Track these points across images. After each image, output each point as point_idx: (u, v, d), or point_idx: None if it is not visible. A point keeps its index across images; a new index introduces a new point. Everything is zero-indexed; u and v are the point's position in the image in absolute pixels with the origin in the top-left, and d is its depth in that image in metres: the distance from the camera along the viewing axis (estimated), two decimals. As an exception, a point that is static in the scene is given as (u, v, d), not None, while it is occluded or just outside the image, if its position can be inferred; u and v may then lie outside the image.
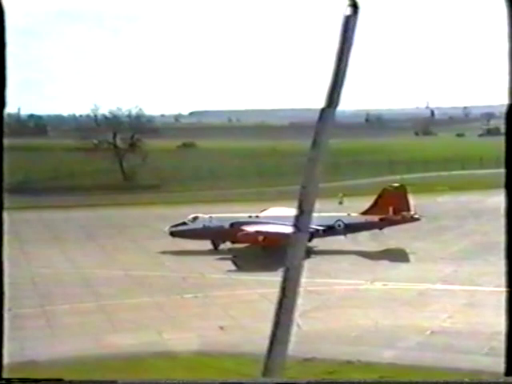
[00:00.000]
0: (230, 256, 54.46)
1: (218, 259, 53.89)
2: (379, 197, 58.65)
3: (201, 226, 57.51)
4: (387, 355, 32.50)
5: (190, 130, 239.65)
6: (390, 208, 57.23)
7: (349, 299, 42.88)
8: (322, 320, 37.37)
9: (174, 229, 58.01)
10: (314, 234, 55.93)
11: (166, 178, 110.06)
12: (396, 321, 37.79)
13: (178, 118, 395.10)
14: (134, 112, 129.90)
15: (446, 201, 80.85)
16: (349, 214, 59.13)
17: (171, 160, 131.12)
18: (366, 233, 60.02)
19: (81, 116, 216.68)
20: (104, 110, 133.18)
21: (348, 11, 5.23)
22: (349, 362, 31.65)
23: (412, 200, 59.49)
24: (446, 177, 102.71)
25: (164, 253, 56.40)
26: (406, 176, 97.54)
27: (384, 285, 46.24)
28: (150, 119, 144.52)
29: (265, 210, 62.59)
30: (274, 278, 42.83)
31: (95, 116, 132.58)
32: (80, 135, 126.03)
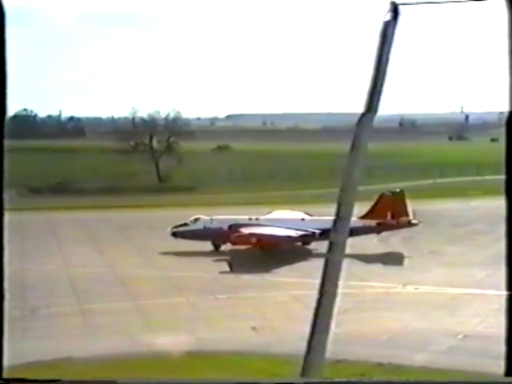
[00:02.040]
0: (227, 257, 54.80)
1: (215, 260, 54.22)
2: (377, 202, 58.89)
3: (201, 227, 58.29)
4: (419, 358, 32.58)
5: (225, 133, 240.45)
6: (388, 213, 57.68)
7: (381, 302, 42.97)
8: (354, 322, 37.51)
9: (175, 229, 58.88)
10: (310, 237, 57.25)
11: (201, 180, 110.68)
12: (428, 324, 37.83)
13: (213, 121, 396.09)
14: (171, 115, 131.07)
15: (478, 205, 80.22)
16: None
17: (206, 162, 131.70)
18: (398, 236, 60.04)
19: (119, 118, 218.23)
20: (142, 113, 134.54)
21: (388, 17, 5.29)
22: (380, 365, 31.79)
23: (445, 204, 59.31)
24: (480, 181, 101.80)
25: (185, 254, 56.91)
26: (439, 180, 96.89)
27: (416, 288, 46.26)
28: (187, 122, 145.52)
29: (269, 212, 63.16)
30: (309, 280, 43.22)
31: (133, 118, 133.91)
32: (117, 137, 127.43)
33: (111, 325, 38.19)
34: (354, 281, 45.23)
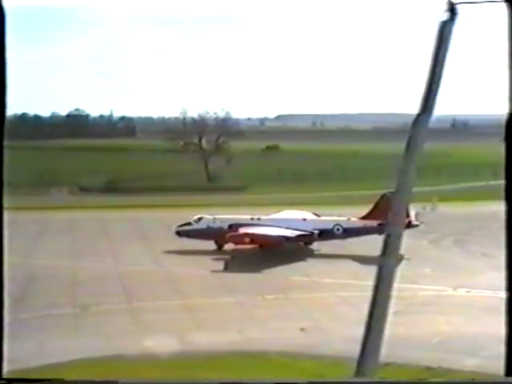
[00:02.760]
0: (226, 256, 55.11)
1: (214, 259, 54.44)
2: (378, 202, 58.71)
3: (205, 226, 58.82)
4: (469, 363, 32.04)
5: (274, 133, 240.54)
6: (390, 214, 56.64)
7: (431, 305, 42.43)
8: (404, 325, 37.06)
9: (179, 228, 59.50)
10: (309, 238, 57.62)
11: (250, 180, 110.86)
12: (480, 329, 37.18)
13: (263, 121, 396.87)
14: (220, 115, 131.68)
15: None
16: (348, 219, 59.52)
17: (255, 162, 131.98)
18: (449, 238, 59.41)
19: (169, 118, 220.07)
20: (192, 113, 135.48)
21: (445, 16, 5.08)
22: (429, 368, 31.37)
23: (497, 206, 58.17)
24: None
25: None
26: (491, 182, 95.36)
27: (467, 291, 45.56)
28: (236, 122, 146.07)
29: (276, 212, 63.57)
30: (359, 282, 43.00)
31: (183, 118, 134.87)
32: (168, 137, 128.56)
33: (160, 323, 38.40)
34: (404, 283, 44.73)
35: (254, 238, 55.42)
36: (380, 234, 56.91)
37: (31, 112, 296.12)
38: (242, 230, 56.22)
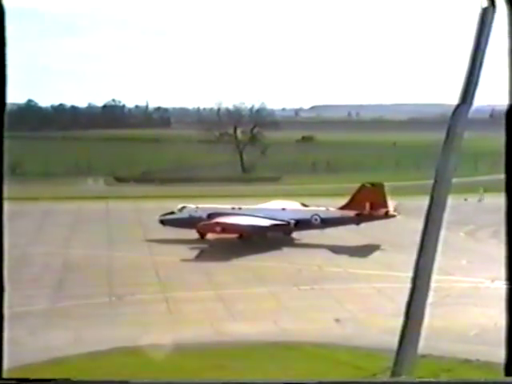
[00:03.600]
0: (205, 246, 55.84)
1: (191, 248, 54.78)
2: (357, 193, 58.93)
3: (187, 215, 59.18)
4: (507, 356, 31.57)
5: (309, 124, 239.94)
6: (367, 204, 57.38)
7: (468, 297, 41.96)
8: (441, 317, 36.68)
9: (163, 217, 60.26)
10: (285, 227, 57.93)
11: (285, 170, 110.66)
12: (518, 322, 36.62)
13: (298, 111, 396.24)
14: (255, 106, 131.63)
15: None
16: (327, 209, 59.65)
17: (290, 153, 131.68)
18: (489, 229, 58.84)
19: (204, 109, 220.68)
20: (227, 104, 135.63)
21: (486, 3, 4.90)
22: (467, 361, 31.02)
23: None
24: None
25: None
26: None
27: (505, 284, 44.93)
28: (271, 113, 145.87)
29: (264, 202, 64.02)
30: (398, 274, 42.77)
31: (218, 109, 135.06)
32: (202, 127, 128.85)
33: (195, 313, 38.50)
34: (440, 275, 44.26)
35: (224, 227, 55.94)
36: (357, 224, 58.61)
37: (68, 103, 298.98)
38: (220, 220, 56.63)
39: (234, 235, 57.47)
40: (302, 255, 53.50)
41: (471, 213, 70.40)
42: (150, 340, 32.36)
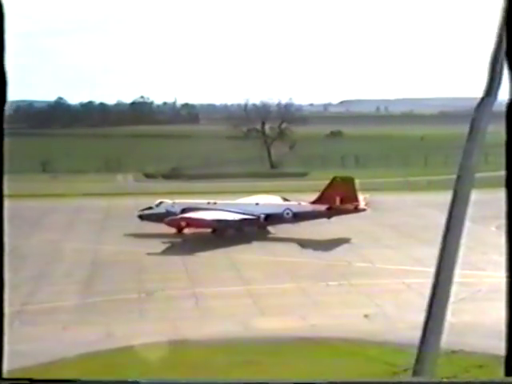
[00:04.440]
0: (178, 240, 56.36)
1: (164, 242, 55.21)
2: (328, 187, 59.30)
3: (164, 210, 59.68)
4: (539, 352, 31.19)
5: (338, 119, 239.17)
6: (338, 198, 57.93)
7: (499, 292, 41.38)
8: (471, 312, 36.42)
9: (141, 212, 60.95)
10: (254, 221, 58.58)
11: (313, 166, 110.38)
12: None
13: (326, 106, 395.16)
14: (283, 101, 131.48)
15: None
16: (299, 203, 60.08)
17: (319, 148, 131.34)
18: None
19: (232, 105, 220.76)
20: (255, 100, 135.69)
21: None
22: (497, 357, 30.67)
23: None
24: None
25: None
26: None
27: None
28: (299, 108, 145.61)
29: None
30: (427, 269, 42.52)
31: (245, 105, 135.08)
32: (230, 123, 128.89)
33: (223, 308, 38.57)
34: (472, 270, 43.95)
35: (189, 222, 56.89)
36: (328, 217, 59.13)
37: (97, 100, 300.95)
38: (192, 215, 57.44)
39: (207, 230, 58.17)
40: (267, 249, 54.18)
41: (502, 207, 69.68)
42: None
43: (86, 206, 74.04)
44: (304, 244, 55.38)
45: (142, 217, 60.70)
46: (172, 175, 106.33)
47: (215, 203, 60.11)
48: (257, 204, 60.29)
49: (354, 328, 34.59)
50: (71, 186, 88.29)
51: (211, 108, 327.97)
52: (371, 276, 45.77)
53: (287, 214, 58.93)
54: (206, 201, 60.75)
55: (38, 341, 32.90)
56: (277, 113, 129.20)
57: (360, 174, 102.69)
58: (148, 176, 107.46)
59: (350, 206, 57.90)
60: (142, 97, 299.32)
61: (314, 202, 59.55)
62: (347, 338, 33.08)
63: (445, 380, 5.10)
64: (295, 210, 59.17)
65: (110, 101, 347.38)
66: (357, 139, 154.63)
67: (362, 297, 40.95)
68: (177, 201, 61.23)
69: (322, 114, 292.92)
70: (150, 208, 60.67)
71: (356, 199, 58.18)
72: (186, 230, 58.46)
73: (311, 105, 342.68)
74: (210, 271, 47.05)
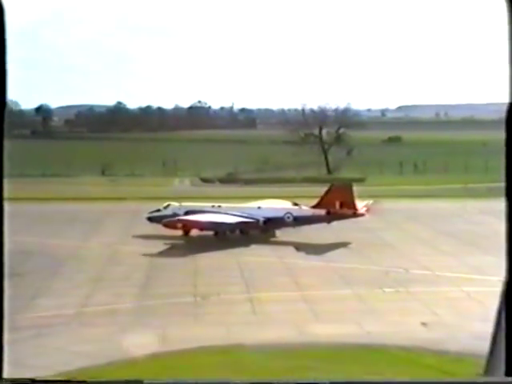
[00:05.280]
0: (181, 242, 57.91)
1: (165, 244, 56.59)
2: (327, 192, 60.31)
3: (171, 212, 60.68)
4: None
5: (396, 124, 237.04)
6: (337, 203, 58.63)
7: None
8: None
9: (150, 215, 62.06)
10: (253, 225, 59.52)
11: (371, 171, 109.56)
12: None
13: (384, 112, 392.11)
14: (341, 106, 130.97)
15: None
16: (300, 207, 60.93)
17: (376, 154, 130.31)
18: None
19: (289, 110, 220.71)
20: (312, 105, 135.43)
21: None
22: None
23: None
24: None
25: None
26: None
27: None
28: (357, 113, 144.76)
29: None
30: (487, 278, 41.78)
31: (303, 110, 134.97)
32: (287, 128, 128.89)
33: (279, 314, 38.45)
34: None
35: (185, 224, 58.45)
36: (328, 222, 59.85)
37: (155, 104, 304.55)
38: (192, 217, 58.74)
39: (210, 232, 59.57)
40: (262, 252, 54.59)
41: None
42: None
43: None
44: (300, 248, 55.86)
45: (150, 219, 61.97)
46: (228, 180, 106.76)
47: (219, 206, 61.42)
48: (259, 208, 61.51)
49: (412, 336, 34.10)
50: (129, 189, 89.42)
51: (268, 113, 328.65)
52: (429, 283, 45.12)
53: (288, 217, 59.88)
54: (211, 204, 62.13)
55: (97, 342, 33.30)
56: (334, 118, 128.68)
57: (418, 180, 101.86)
58: (205, 180, 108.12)
59: (348, 211, 58.98)
60: (199, 101, 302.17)
61: (314, 207, 60.60)
62: (404, 346, 32.63)
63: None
64: (296, 214, 60.15)
65: (168, 105, 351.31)
66: (416, 145, 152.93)
67: (420, 304, 40.36)
68: (184, 203, 62.62)
69: (380, 120, 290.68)
70: (159, 210, 62.07)
71: (354, 204, 59.26)
72: (193, 232, 59.94)
73: (369, 110, 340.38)
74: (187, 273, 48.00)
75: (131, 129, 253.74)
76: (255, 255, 53.57)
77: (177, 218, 59.01)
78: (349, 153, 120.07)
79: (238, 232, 60.34)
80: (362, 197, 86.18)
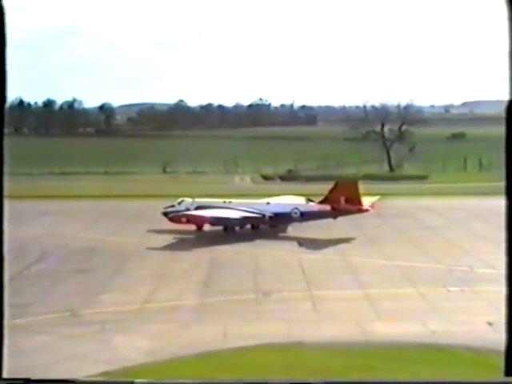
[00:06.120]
0: (191, 236, 59.49)
1: (175, 238, 58.27)
2: (333, 188, 61.11)
3: (184, 208, 61.79)
4: None
5: (460, 121, 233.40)
6: (342, 198, 59.25)
7: None
8: None
9: (165, 210, 63.14)
10: (259, 220, 60.81)
11: (434, 168, 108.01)
12: None
13: (448, 108, 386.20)
14: (403, 103, 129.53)
15: None
16: (307, 203, 62.24)
17: (440, 150, 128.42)
18: None
19: (350, 107, 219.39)
20: (374, 102, 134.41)
21: None
22: None
23: None
24: None
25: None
26: None
27: None
28: (420, 110, 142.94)
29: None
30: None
31: (364, 107, 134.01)
32: (348, 125, 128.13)
33: (340, 312, 38.15)
34: None
35: (189, 219, 60.03)
36: (334, 217, 60.97)
37: (216, 102, 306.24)
38: (200, 213, 60.09)
39: (220, 227, 61.01)
40: (263, 247, 55.46)
41: None
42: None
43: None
44: (303, 242, 56.64)
45: (166, 214, 63.09)
46: (289, 177, 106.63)
47: (230, 202, 62.61)
48: (268, 203, 62.52)
49: (477, 336, 33.43)
50: (190, 186, 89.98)
51: (329, 110, 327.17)
52: (495, 282, 44.15)
53: (295, 213, 61.00)
54: (222, 200, 63.31)
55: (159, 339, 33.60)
56: (396, 114, 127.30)
57: (483, 176, 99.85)
58: (265, 177, 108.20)
59: (353, 207, 59.76)
60: (260, 99, 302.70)
61: (320, 203, 61.49)
62: (470, 346, 32.00)
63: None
64: (302, 209, 61.26)
65: (229, 103, 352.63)
66: (480, 141, 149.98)
67: (485, 304, 39.54)
68: (197, 199, 63.71)
69: (444, 116, 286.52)
70: (173, 206, 63.23)
71: (359, 200, 59.98)
72: (206, 227, 61.50)
73: (432, 106, 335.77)
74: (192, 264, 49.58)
75: (192, 126, 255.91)
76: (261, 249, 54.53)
77: (182, 213, 60.56)
78: (411, 150, 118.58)
79: (249, 227, 61.96)
80: (424, 194, 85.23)
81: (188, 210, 61.55)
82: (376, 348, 31.96)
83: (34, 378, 5.16)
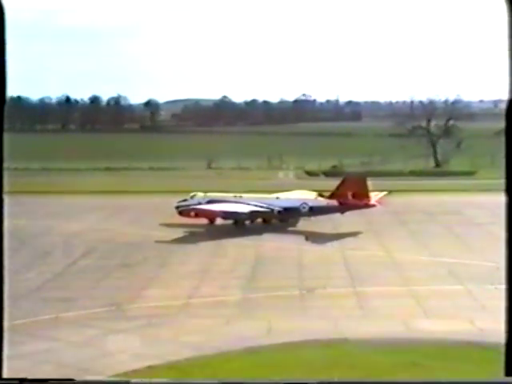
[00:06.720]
0: (200, 230, 60.50)
1: (185, 231, 59.44)
2: (341, 184, 61.84)
3: (196, 202, 62.46)
4: None
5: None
6: (350, 194, 59.75)
7: None
8: None
9: (178, 204, 63.56)
10: (267, 214, 61.90)
11: (482, 164, 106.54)
12: None
13: (497, 103, 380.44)
14: (450, 98, 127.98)
15: None
16: (316, 198, 63.21)
17: (488, 146, 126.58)
18: None
19: (397, 102, 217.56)
20: (421, 97, 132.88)
21: None
22: None
23: None
24: None
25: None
26: None
27: None
28: (468, 105, 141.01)
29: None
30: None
31: (411, 102, 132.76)
32: (394, 121, 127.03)
33: (385, 308, 37.84)
34: None
35: (197, 213, 60.88)
36: (342, 212, 61.57)
37: (261, 98, 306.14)
38: (210, 207, 61.00)
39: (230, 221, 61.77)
40: (268, 240, 56.52)
41: None
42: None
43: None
44: (309, 236, 57.33)
45: (178, 208, 63.62)
46: (333, 173, 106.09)
47: (241, 196, 63.40)
48: (277, 198, 63.42)
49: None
50: (234, 182, 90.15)
51: (375, 105, 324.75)
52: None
53: (303, 207, 61.85)
54: (233, 194, 64.02)
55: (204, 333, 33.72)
56: (443, 110, 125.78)
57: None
58: (309, 173, 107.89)
59: (360, 202, 60.33)
60: (304, 95, 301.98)
61: (328, 198, 62.14)
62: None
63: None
64: (311, 204, 62.13)
65: (274, 99, 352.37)
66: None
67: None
68: (208, 194, 64.51)
69: (493, 111, 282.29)
70: (186, 200, 63.83)
71: (367, 196, 60.42)
72: (218, 221, 62.06)
73: (481, 101, 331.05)
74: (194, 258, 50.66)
75: (236, 122, 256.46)
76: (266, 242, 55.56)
77: (191, 207, 61.44)
78: (458, 145, 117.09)
79: (260, 221, 63.00)
80: (471, 190, 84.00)
81: (200, 203, 62.47)
82: (422, 345, 31.61)
83: (36, 377, 5.11)
